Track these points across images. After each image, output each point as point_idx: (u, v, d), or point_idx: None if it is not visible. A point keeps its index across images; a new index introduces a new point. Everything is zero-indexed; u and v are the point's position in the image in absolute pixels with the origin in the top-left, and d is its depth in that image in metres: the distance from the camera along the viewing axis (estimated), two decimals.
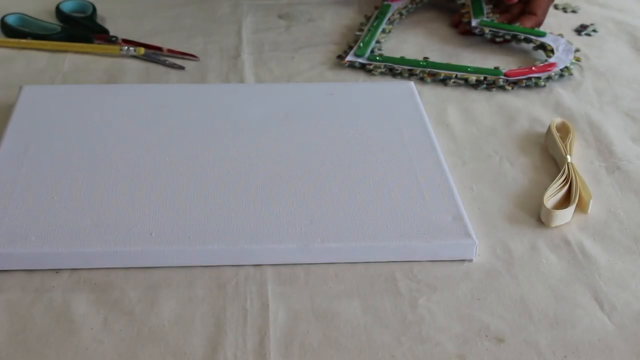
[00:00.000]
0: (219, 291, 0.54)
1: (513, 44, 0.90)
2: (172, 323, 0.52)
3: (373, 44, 0.88)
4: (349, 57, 0.86)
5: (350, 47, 0.88)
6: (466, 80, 0.82)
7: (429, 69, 0.83)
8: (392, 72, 0.84)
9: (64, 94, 0.74)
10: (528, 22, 0.90)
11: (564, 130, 0.72)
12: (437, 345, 0.51)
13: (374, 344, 0.51)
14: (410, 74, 0.83)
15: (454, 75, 0.82)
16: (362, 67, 0.85)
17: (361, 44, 0.87)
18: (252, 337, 0.51)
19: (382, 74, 0.84)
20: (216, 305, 0.53)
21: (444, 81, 0.82)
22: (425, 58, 0.86)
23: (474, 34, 0.92)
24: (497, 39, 0.90)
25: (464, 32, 0.93)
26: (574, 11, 1.01)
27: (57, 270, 0.56)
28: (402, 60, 0.85)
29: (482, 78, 0.82)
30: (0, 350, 0.49)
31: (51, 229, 0.56)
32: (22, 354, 0.49)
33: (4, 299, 0.53)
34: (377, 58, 0.85)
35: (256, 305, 0.53)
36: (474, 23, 0.91)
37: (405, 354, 0.50)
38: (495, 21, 0.91)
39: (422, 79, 0.83)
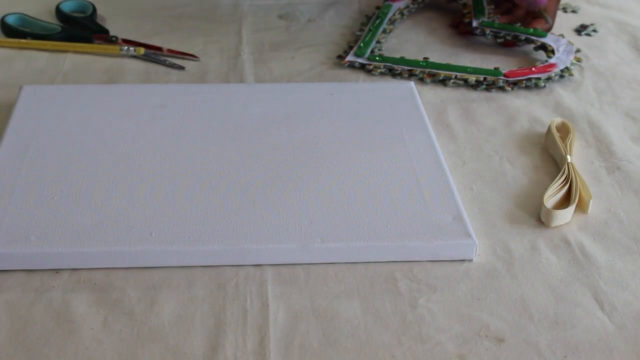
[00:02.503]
0: (219, 291, 0.54)
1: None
2: (172, 323, 0.52)
3: (373, 44, 0.88)
4: (349, 57, 0.86)
5: (350, 47, 0.88)
6: (466, 80, 0.82)
7: (428, 69, 0.83)
8: (392, 72, 0.84)
9: (64, 94, 0.74)
10: (540, 26, 0.89)
11: (564, 130, 0.72)
12: (437, 345, 0.51)
13: (374, 344, 0.51)
14: (410, 74, 0.83)
15: (453, 76, 0.82)
16: (362, 67, 0.85)
17: (361, 44, 0.87)
18: (252, 337, 0.51)
19: (382, 74, 0.84)
20: (216, 305, 0.53)
21: (443, 81, 0.82)
22: (425, 58, 0.86)
23: (475, 34, 0.92)
24: (498, 40, 0.90)
25: (465, 32, 0.93)
26: (574, 11, 1.01)
27: (57, 270, 0.56)
28: (402, 61, 0.85)
29: (481, 78, 0.82)
30: (0, 350, 0.49)
31: (51, 229, 0.56)
32: (22, 354, 0.49)
33: (4, 299, 0.53)
34: (377, 58, 0.85)
35: (256, 305, 0.53)
36: (475, 23, 0.91)
37: (405, 354, 0.50)
38: (497, 22, 0.91)
39: (422, 79, 0.82)
